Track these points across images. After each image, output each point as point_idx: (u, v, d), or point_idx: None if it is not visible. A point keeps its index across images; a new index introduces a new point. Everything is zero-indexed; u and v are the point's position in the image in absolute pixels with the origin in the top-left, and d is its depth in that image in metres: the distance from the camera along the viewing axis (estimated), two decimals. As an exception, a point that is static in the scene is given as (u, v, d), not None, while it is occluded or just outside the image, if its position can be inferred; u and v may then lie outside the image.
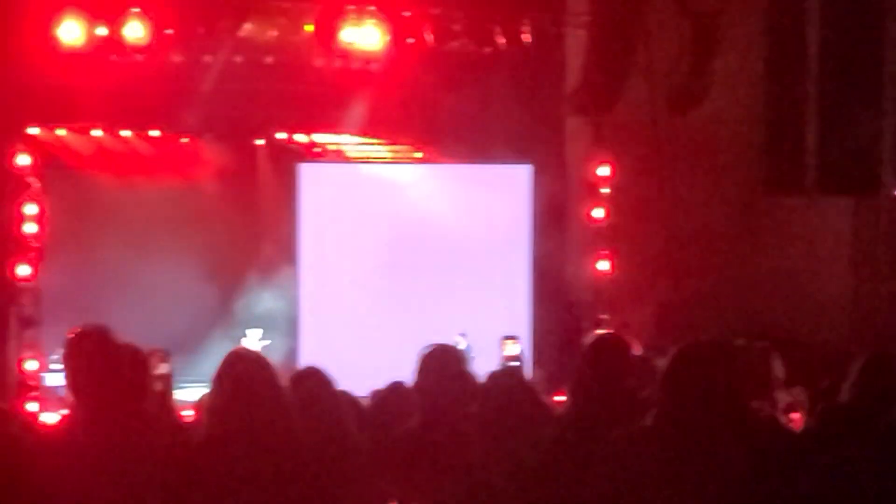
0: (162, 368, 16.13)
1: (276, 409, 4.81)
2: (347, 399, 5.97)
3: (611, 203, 18.41)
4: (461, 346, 17.73)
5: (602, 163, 18.33)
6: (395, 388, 5.86)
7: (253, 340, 18.66)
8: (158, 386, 14.69)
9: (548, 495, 5.18)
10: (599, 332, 7.29)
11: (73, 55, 17.33)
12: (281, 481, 4.70)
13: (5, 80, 17.50)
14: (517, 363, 17.07)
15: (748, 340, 16.90)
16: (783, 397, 15.20)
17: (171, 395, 14.81)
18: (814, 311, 17.17)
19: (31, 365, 17.97)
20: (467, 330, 17.42)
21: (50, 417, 14.62)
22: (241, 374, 4.92)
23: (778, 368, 16.37)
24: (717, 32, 16.68)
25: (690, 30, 16.70)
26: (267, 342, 18.61)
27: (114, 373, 4.98)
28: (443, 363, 5.15)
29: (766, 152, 18.61)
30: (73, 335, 5.16)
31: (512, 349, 17.66)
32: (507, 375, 6.56)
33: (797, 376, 15.39)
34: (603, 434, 5.01)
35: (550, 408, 6.92)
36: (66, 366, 5.15)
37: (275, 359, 17.08)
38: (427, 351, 5.25)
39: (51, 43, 17.27)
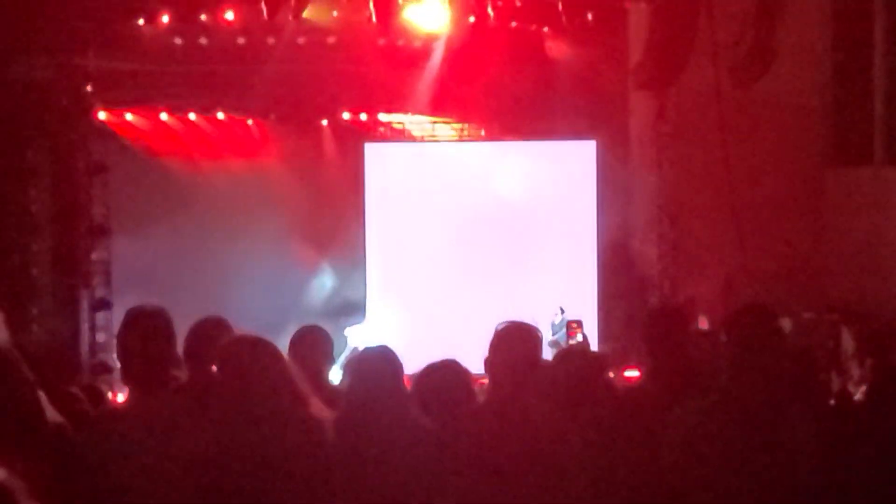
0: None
1: (292, 395, 4.79)
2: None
3: (676, 177, 18.34)
4: (557, 319, 17.95)
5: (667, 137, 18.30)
6: (448, 366, 5.81)
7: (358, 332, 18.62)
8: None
9: (615, 472, 5.19)
10: (658, 306, 7.24)
11: (141, 40, 17.61)
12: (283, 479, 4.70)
13: (74, 67, 17.75)
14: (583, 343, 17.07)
15: (817, 313, 16.85)
16: (854, 369, 15.16)
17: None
18: (883, 283, 17.00)
19: (102, 345, 18.26)
20: (536, 305, 17.51)
21: (121, 396, 14.86)
22: (245, 360, 4.89)
23: (848, 341, 16.32)
24: (781, 4, 16.53)
25: (754, 1, 16.55)
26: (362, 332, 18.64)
27: (169, 350, 5.03)
28: (517, 341, 5.13)
29: (833, 124, 18.44)
30: (129, 313, 5.19)
31: (577, 334, 17.69)
32: (575, 355, 6.55)
33: (868, 348, 15.32)
34: (666, 409, 5.02)
35: (617, 386, 6.94)
36: (119, 343, 5.18)
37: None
38: (502, 327, 5.20)
39: (120, 30, 17.55)
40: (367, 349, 5.81)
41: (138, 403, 5.06)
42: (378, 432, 5.11)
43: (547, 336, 17.36)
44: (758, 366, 4.96)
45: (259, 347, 4.97)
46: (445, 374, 5.70)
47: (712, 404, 5.01)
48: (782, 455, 4.92)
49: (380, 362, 5.46)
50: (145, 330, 5.11)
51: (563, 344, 17.02)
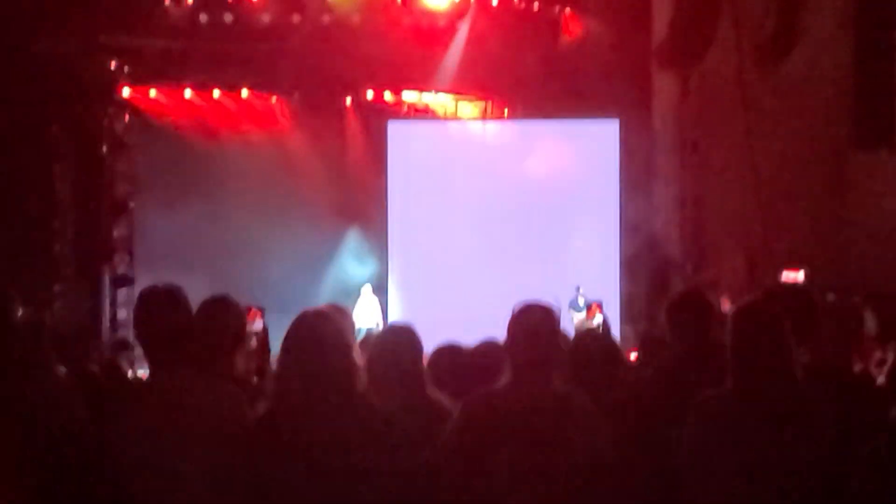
0: (256, 325, 16.33)
1: (345, 371, 4.75)
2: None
3: (699, 158, 18.30)
4: (582, 302, 17.97)
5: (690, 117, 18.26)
6: (489, 345, 5.85)
7: (366, 296, 18.82)
8: (253, 343, 14.88)
9: (636, 457, 5.19)
10: (681, 289, 7.14)
11: (166, 17, 17.65)
12: (348, 449, 4.65)
13: (99, 43, 17.77)
14: (602, 327, 17.05)
15: (840, 295, 16.77)
16: (876, 352, 15.09)
17: (267, 351, 14.89)
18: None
19: (123, 322, 18.34)
20: (558, 284, 17.51)
21: (141, 373, 14.89)
22: (309, 334, 4.84)
23: (871, 323, 16.25)
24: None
25: (779, -18, 16.50)
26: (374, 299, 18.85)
27: (182, 331, 5.00)
28: (534, 321, 5.08)
29: (855, 107, 18.34)
30: (142, 294, 5.17)
31: (597, 316, 17.67)
32: (594, 338, 6.54)
33: (891, 331, 15.25)
34: (688, 396, 5.01)
35: (637, 369, 6.91)
36: (136, 324, 5.19)
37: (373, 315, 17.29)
38: (518, 308, 5.15)
39: (145, 7, 17.59)
40: (391, 325, 5.84)
41: (158, 381, 5.04)
42: (392, 407, 5.13)
43: (565, 315, 17.40)
44: (764, 359, 4.95)
45: (322, 319, 4.92)
46: (489, 352, 5.73)
47: (728, 392, 4.99)
48: (800, 442, 4.90)
49: (402, 339, 5.48)
50: (159, 309, 5.08)
51: (583, 324, 17.06)
